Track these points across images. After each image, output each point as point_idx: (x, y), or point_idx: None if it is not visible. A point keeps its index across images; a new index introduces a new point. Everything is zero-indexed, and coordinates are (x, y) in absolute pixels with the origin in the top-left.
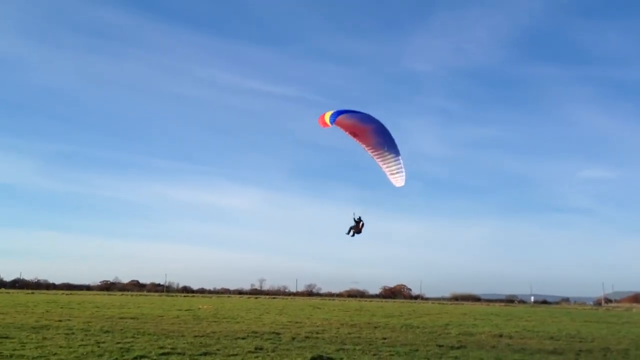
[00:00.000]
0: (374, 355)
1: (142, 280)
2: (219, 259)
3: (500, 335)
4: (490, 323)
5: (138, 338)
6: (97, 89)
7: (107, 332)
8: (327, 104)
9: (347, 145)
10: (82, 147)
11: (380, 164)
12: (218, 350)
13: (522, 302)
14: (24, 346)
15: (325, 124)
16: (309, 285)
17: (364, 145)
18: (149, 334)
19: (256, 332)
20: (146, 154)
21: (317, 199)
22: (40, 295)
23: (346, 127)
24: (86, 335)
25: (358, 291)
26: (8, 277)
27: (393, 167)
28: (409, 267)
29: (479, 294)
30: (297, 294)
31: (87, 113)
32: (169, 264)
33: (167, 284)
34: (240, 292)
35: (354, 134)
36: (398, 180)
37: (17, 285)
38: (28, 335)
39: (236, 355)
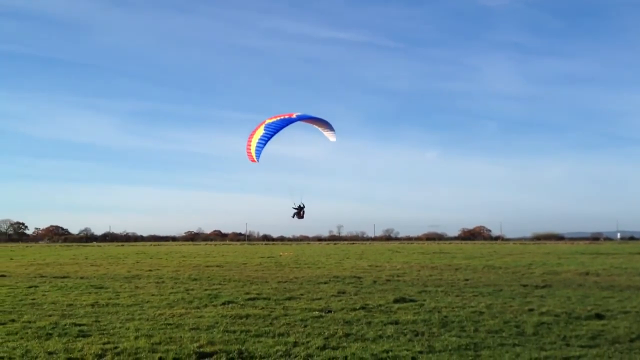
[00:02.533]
0: (457, 296)
1: (224, 230)
2: None
3: (587, 273)
4: (575, 261)
5: (224, 285)
6: (168, 45)
7: (194, 279)
8: (397, 47)
9: (419, 89)
10: (158, 103)
11: (316, 126)
12: (302, 294)
13: (608, 239)
14: (118, 295)
15: (252, 159)
16: (387, 230)
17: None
18: (234, 281)
19: (337, 277)
20: (221, 107)
21: (391, 144)
22: (129, 247)
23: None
24: (175, 283)
25: (436, 234)
26: (99, 231)
27: (326, 127)
28: (488, 208)
29: (562, 232)
30: (375, 238)
31: (160, 70)
32: (249, 213)
33: (247, 233)
34: (319, 239)
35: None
36: (331, 136)
37: (107, 238)
38: (121, 285)
39: (320, 299)
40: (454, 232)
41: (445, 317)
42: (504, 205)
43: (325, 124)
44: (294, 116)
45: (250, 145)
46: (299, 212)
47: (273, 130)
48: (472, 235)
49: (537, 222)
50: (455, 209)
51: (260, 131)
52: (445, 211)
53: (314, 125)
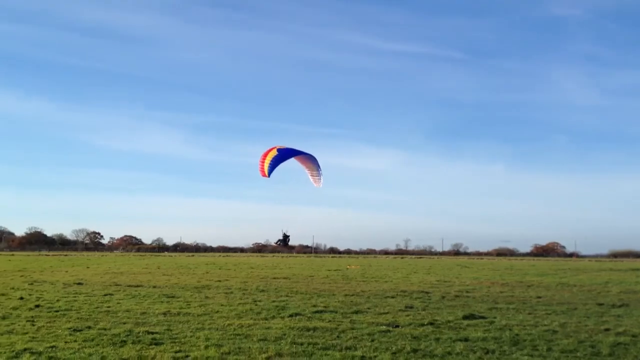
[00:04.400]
0: (529, 314)
1: (291, 243)
2: (364, 221)
3: None
4: None
5: (291, 297)
6: (234, 60)
7: (262, 291)
8: (463, 59)
9: (486, 101)
10: (224, 117)
11: (306, 169)
12: (369, 308)
13: None
14: (189, 304)
15: (264, 174)
16: (455, 245)
17: (297, 160)
18: (301, 293)
19: (405, 291)
20: (285, 120)
21: (458, 157)
22: (199, 258)
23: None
24: (244, 294)
25: (507, 250)
26: (170, 242)
27: (315, 173)
28: (562, 224)
29: None
30: (443, 253)
31: (226, 84)
32: (315, 226)
33: (314, 245)
34: (385, 253)
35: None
36: (317, 182)
37: (178, 248)
38: (192, 295)
39: (387, 313)
40: (526, 248)
41: (517, 335)
42: (579, 221)
43: (316, 168)
44: (300, 150)
45: (264, 162)
46: (284, 240)
47: (284, 153)
48: (545, 251)
49: (614, 239)
50: (527, 224)
51: (274, 152)
52: (516, 227)
53: (304, 167)
